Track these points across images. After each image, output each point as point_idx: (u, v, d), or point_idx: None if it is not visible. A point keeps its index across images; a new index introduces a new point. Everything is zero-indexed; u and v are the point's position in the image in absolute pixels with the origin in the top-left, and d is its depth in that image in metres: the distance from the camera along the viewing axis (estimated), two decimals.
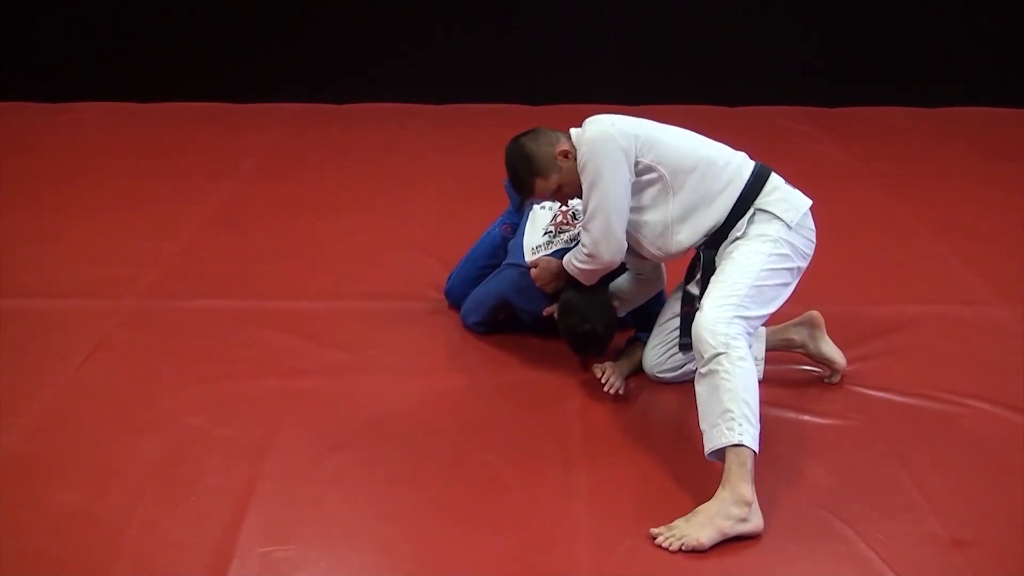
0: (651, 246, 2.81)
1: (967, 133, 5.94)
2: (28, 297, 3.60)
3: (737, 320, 2.51)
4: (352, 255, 4.03)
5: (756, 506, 2.37)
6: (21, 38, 6.29)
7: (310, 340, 3.31)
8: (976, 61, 6.36)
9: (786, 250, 2.65)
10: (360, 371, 3.14)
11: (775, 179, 2.75)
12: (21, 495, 2.51)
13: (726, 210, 2.69)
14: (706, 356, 2.47)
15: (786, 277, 2.67)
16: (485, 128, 5.96)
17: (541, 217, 3.23)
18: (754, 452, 2.39)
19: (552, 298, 3.11)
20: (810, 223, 2.73)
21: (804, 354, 3.07)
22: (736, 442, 2.38)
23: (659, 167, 2.72)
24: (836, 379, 3.05)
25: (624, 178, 2.70)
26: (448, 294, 3.55)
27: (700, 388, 2.51)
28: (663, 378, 3.02)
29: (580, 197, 2.83)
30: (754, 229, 2.68)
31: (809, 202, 2.74)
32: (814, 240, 2.74)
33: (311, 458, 2.68)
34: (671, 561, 2.30)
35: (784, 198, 2.70)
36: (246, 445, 2.72)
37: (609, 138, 2.69)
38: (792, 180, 2.83)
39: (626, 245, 2.79)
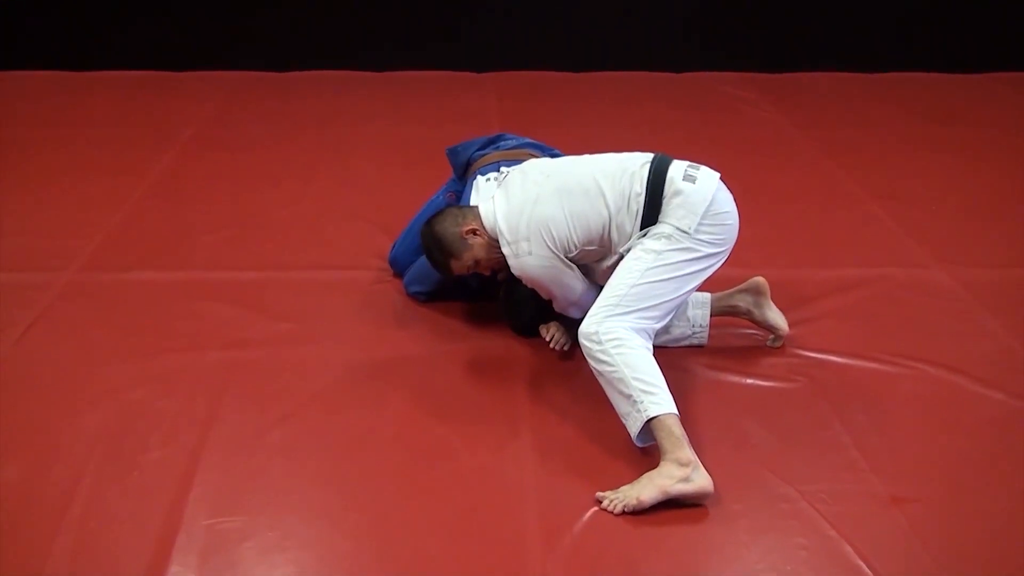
0: (603, 278, 2.84)
1: (906, 98, 6.01)
2: None
3: (609, 319, 2.61)
4: (295, 225, 3.99)
5: (700, 468, 2.39)
6: None
7: (253, 311, 3.28)
8: (914, 27, 6.44)
9: (684, 244, 2.68)
10: (304, 341, 3.12)
11: (674, 180, 2.73)
12: None
13: (639, 230, 2.74)
14: (590, 359, 2.60)
15: (691, 267, 2.70)
16: (427, 95, 5.92)
17: (485, 188, 3.22)
18: (674, 414, 2.45)
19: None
20: (717, 207, 2.72)
21: (749, 320, 3.11)
22: (649, 417, 2.45)
23: (587, 247, 2.79)
24: (778, 343, 3.09)
25: (572, 274, 2.83)
26: (392, 263, 3.53)
27: (602, 383, 2.61)
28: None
29: (500, 269, 2.93)
30: (652, 230, 2.73)
31: (713, 186, 2.73)
32: (729, 222, 2.75)
33: (256, 429, 2.66)
34: (617, 524, 2.33)
35: (683, 203, 2.70)
36: (190, 417, 2.70)
37: (540, 266, 2.76)
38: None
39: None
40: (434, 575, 2.19)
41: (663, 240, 2.68)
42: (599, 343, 2.57)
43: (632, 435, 2.51)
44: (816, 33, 6.46)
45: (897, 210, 4.20)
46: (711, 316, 3.08)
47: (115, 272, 3.54)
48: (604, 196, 2.74)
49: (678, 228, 2.68)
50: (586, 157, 2.94)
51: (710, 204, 2.70)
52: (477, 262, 2.89)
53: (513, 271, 2.79)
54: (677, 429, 2.43)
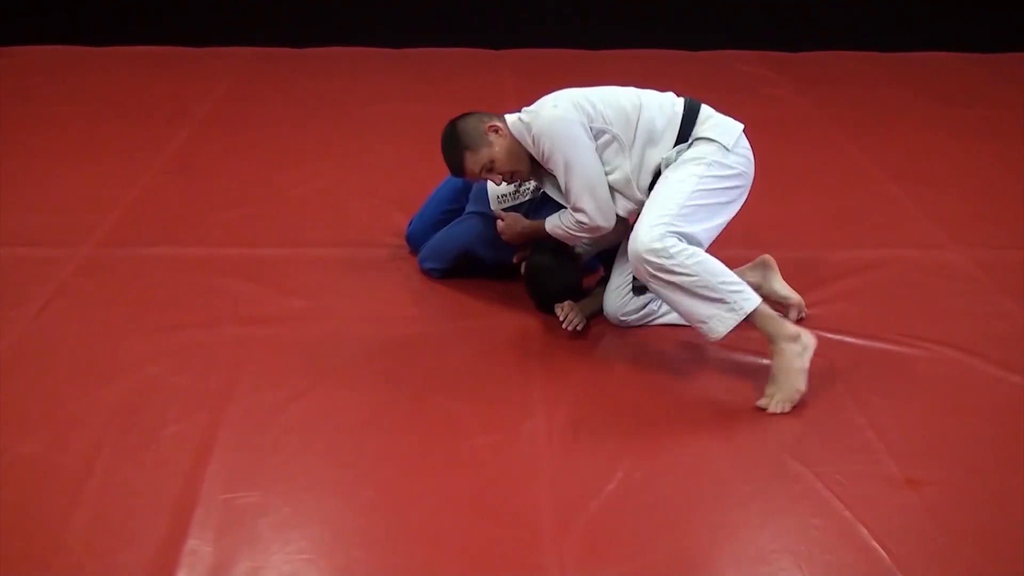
0: (620, 201, 2.87)
1: (923, 78, 5.97)
2: None
3: (670, 235, 2.64)
4: (311, 202, 4.00)
5: (802, 331, 2.68)
6: None
7: (269, 287, 3.29)
8: (933, 6, 6.38)
9: (722, 171, 2.76)
10: (320, 318, 3.13)
11: (706, 109, 2.86)
12: None
13: (670, 145, 2.80)
14: (659, 273, 2.64)
15: (724, 196, 2.78)
16: (445, 73, 5.91)
17: (493, 185, 3.21)
18: (762, 302, 2.68)
19: (517, 248, 3.12)
20: (745, 143, 2.85)
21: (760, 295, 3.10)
22: (747, 312, 2.65)
23: (609, 128, 2.79)
24: (794, 315, 3.09)
25: (590, 148, 2.79)
26: (409, 238, 3.53)
27: (669, 294, 2.68)
28: (625, 321, 3.04)
29: (510, 177, 2.91)
30: (689, 153, 2.78)
31: (741, 125, 2.86)
32: (751, 158, 2.86)
33: (271, 405, 2.67)
34: (632, 504, 2.33)
35: (718, 124, 2.82)
36: (206, 393, 2.71)
37: (561, 119, 2.75)
38: (750, 125, 2.86)
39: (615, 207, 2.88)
40: (448, 553, 2.20)
41: (703, 165, 2.74)
42: (670, 256, 2.61)
43: (715, 335, 2.69)
44: (834, 12, 6.41)
45: (914, 190, 4.17)
46: None
47: (132, 247, 3.55)
48: (639, 92, 2.87)
49: (720, 144, 2.75)
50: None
51: (740, 136, 2.81)
52: (493, 161, 2.86)
53: (533, 139, 2.77)
54: (764, 310, 2.68)
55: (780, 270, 3.15)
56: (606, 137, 2.80)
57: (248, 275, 3.36)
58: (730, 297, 2.65)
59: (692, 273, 2.62)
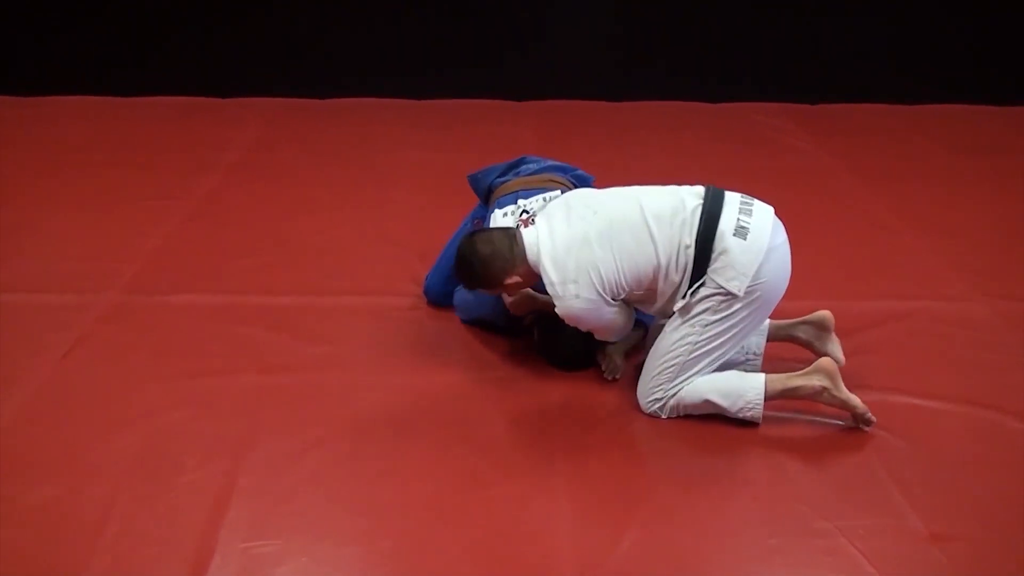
0: (657, 313, 2.93)
1: (943, 129, 5.97)
2: (5, 292, 3.57)
3: (664, 397, 2.82)
4: (332, 250, 4.02)
5: (808, 372, 2.78)
6: None
7: (289, 335, 3.30)
8: (950, 58, 6.40)
9: (735, 307, 2.71)
10: (339, 367, 3.13)
11: (724, 236, 2.67)
12: None
13: (685, 290, 2.74)
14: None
15: (739, 326, 2.77)
16: (465, 123, 5.95)
17: (502, 223, 3.14)
18: (763, 385, 2.78)
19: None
20: (766, 269, 2.69)
21: (808, 350, 3.09)
22: (760, 404, 2.78)
23: (634, 291, 2.78)
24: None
25: (611, 312, 2.80)
26: (427, 292, 3.54)
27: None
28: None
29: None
30: (699, 300, 2.73)
31: (765, 241, 2.69)
32: (782, 274, 2.77)
33: (291, 453, 2.67)
34: (652, 557, 2.31)
35: (732, 263, 2.66)
36: (225, 440, 2.72)
37: (586, 309, 2.72)
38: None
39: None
40: None
41: (708, 312, 2.71)
42: (666, 410, 2.83)
43: (756, 420, 2.79)
44: (854, 64, 6.43)
45: (936, 241, 4.16)
46: (767, 340, 3.06)
47: (155, 295, 3.57)
48: (655, 242, 2.69)
49: (727, 291, 2.67)
50: (632, 190, 2.86)
51: (763, 260, 2.67)
52: (508, 294, 2.93)
53: (557, 311, 2.75)
54: (779, 383, 2.78)
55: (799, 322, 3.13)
56: (635, 294, 2.81)
57: (268, 323, 3.37)
58: (733, 404, 2.77)
59: (692, 407, 2.81)
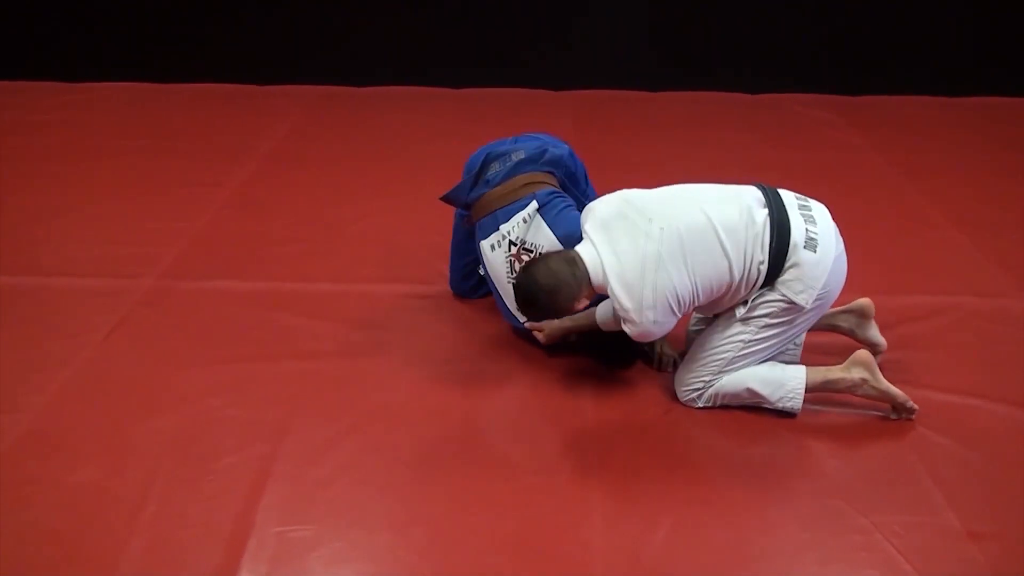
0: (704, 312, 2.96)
1: (986, 123, 5.88)
2: (48, 276, 3.62)
3: (698, 395, 2.84)
4: (368, 238, 4.03)
5: (846, 366, 2.79)
6: (37, 18, 6.29)
7: (326, 322, 3.32)
8: (994, 51, 6.31)
9: (794, 315, 2.72)
10: (376, 354, 3.14)
11: (796, 248, 2.64)
12: (39, 472, 2.53)
13: (754, 292, 2.71)
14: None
15: (794, 328, 2.78)
16: (502, 112, 5.94)
17: (494, 257, 3.06)
18: (805, 377, 2.78)
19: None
20: (835, 274, 2.71)
21: (850, 337, 3.10)
22: (800, 397, 2.78)
23: (700, 303, 2.73)
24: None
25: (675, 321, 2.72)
26: (452, 288, 3.54)
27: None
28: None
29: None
30: (762, 303, 2.71)
31: (832, 251, 2.69)
32: (841, 280, 2.78)
33: (326, 439, 2.69)
34: (681, 547, 2.30)
35: (801, 276, 2.65)
36: (262, 426, 2.74)
37: (658, 322, 2.63)
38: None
39: None
40: None
41: (768, 317, 2.72)
42: (702, 400, 2.83)
43: (794, 411, 2.80)
44: (896, 56, 6.36)
45: (977, 236, 4.11)
46: (809, 329, 3.01)
47: (193, 280, 3.61)
48: (730, 259, 2.62)
49: (794, 302, 2.67)
50: (689, 192, 2.76)
51: (823, 282, 2.68)
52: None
53: (628, 332, 2.68)
54: (819, 375, 2.78)
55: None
56: (700, 305, 2.77)
57: (305, 310, 3.39)
58: (776, 396, 2.78)
59: (735, 398, 2.82)
